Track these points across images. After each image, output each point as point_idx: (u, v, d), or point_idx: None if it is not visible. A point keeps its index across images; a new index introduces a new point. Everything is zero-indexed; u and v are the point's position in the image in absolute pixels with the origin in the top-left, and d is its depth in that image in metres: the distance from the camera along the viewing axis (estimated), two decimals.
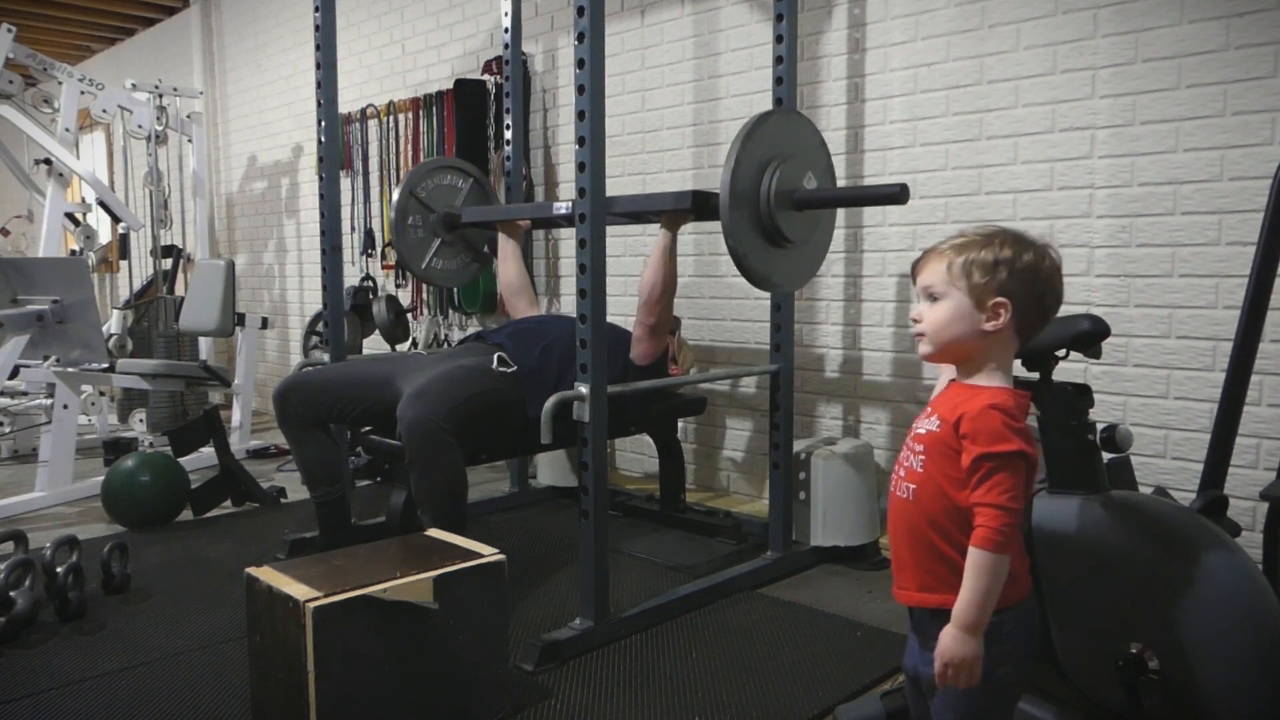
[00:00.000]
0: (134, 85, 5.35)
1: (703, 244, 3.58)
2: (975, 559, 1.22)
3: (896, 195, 2.32)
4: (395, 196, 3.22)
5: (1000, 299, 1.26)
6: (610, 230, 3.47)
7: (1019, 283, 1.26)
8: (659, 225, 2.64)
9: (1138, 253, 2.56)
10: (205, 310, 4.28)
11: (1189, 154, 2.45)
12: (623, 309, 3.76)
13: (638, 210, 2.72)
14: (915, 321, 1.33)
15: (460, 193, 3.38)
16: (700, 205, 2.52)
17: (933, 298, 1.31)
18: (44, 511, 3.61)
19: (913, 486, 1.32)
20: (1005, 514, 1.20)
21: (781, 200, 2.35)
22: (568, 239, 4.11)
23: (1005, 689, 1.32)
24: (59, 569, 2.46)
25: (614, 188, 3.71)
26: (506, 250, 3.19)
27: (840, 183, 3.15)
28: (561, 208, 2.88)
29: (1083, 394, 1.65)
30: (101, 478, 3.46)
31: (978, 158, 2.84)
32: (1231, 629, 1.50)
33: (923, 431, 1.33)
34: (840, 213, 3.17)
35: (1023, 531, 1.34)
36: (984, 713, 1.31)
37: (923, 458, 1.31)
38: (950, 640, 1.23)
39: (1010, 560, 1.23)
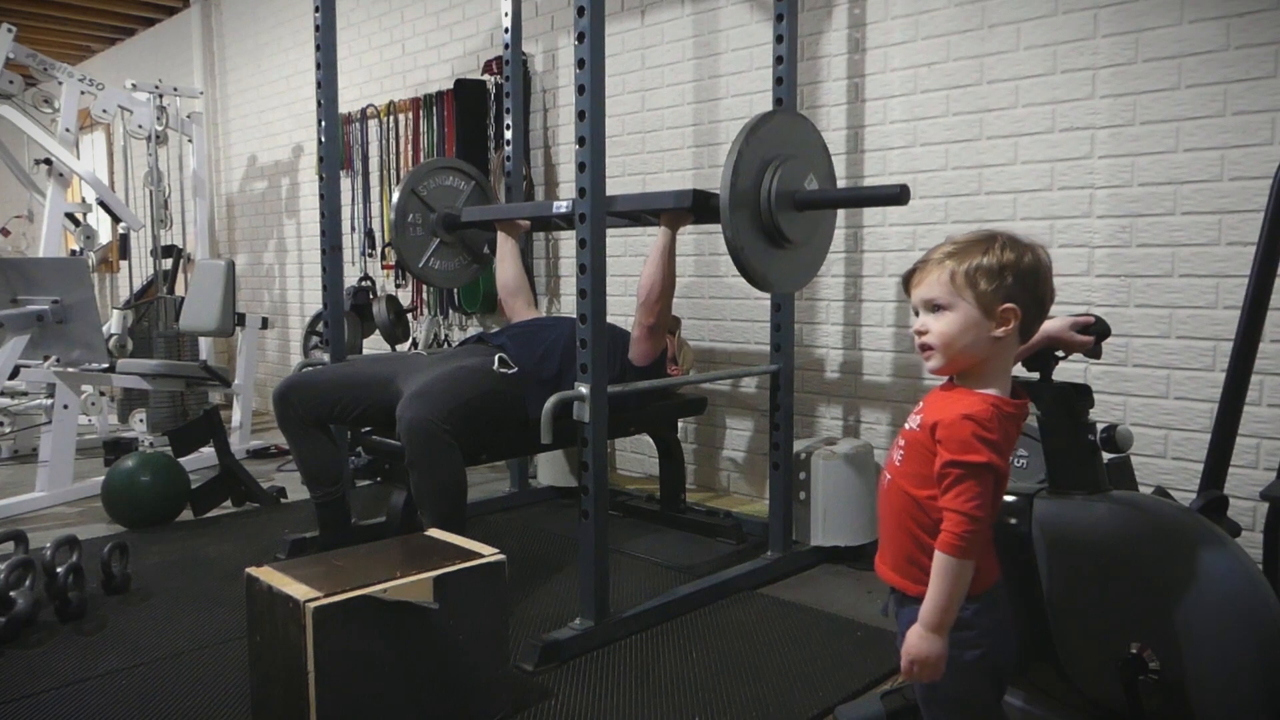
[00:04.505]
0: (134, 85, 5.35)
1: (703, 244, 3.58)
2: (938, 562, 1.25)
3: (897, 196, 2.32)
4: (396, 196, 3.22)
5: (1009, 305, 1.27)
6: (610, 230, 3.47)
7: (1023, 286, 1.27)
8: (658, 224, 2.64)
9: (1138, 253, 2.56)
10: (205, 310, 4.29)
11: (1189, 154, 2.45)
12: (623, 309, 3.76)
13: (637, 209, 2.71)
14: (919, 334, 1.32)
15: (461, 194, 3.38)
16: (701, 204, 2.51)
17: (936, 309, 1.30)
18: (44, 511, 3.61)
19: (889, 477, 1.38)
20: (968, 521, 1.23)
21: (782, 200, 2.35)
22: (568, 239, 4.11)
23: (976, 672, 1.34)
24: (59, 569, 2.47)
25: (614, 187, 3.71)
26: (505, 250, 3.19)
27: (840, 183, 3.16)
28: (561, 206, 2.88)
29: (1083, 394, 1.65)
30: (101, 478, 3.46)
31: (978, 158, 2.84)
32: (1231, 629, 1.49)
33: (909, 428, 1.36)
34: (840, 213, 3.17)
35: (990, 530, 1.35)
36: (958, 694, 1.35)
37: (902, 453, 1.36)
38: (916, 639, 1.27)
39: (974, 562, 1.26)
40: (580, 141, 2.17)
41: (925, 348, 1.32)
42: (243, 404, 4.66)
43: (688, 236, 3.63)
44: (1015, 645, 1.41)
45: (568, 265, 4.14)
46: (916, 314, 1.34)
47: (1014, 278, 1.27)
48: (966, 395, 1.29)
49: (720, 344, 3.59)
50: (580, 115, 2.17)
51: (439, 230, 3.29)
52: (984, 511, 1.23)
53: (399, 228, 3.21)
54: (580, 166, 2.18)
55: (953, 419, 1.26)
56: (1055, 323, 1.55)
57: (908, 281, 1.36)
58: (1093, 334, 1.56)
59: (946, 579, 1.24)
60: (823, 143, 2.58)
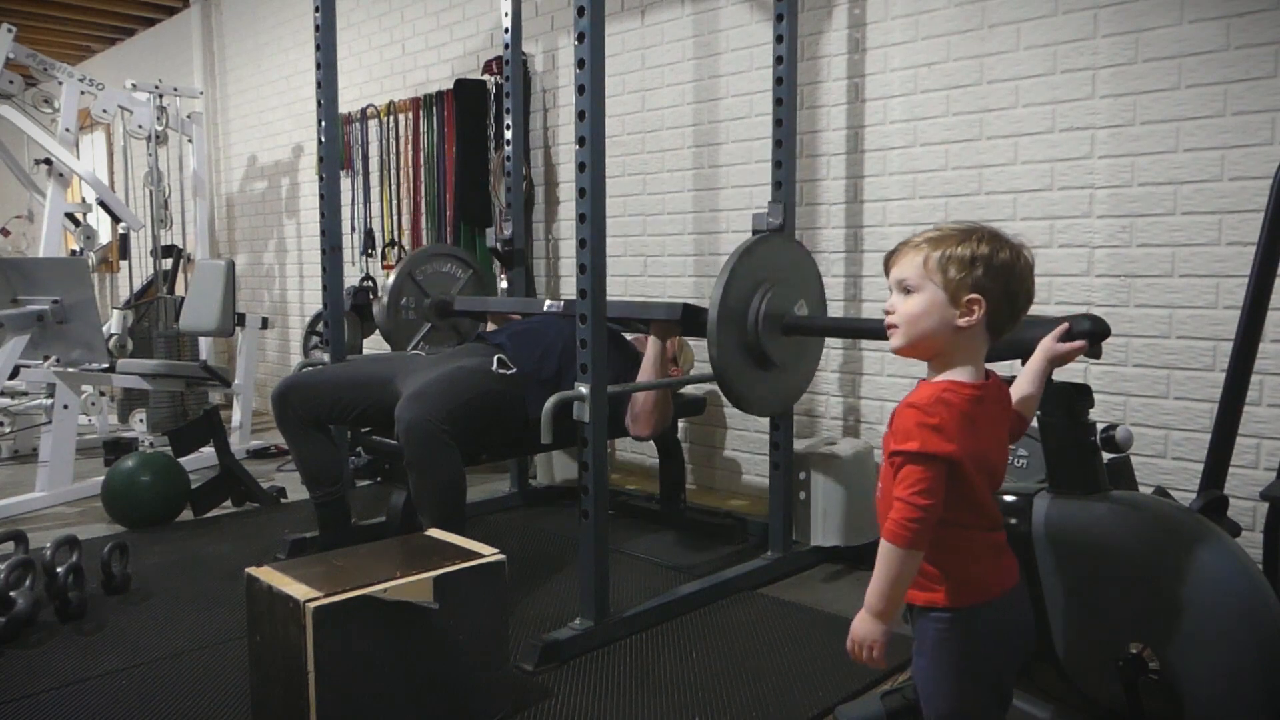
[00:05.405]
0: (134, 85, 5.36)
1: (703, 244, 3.58)
2: (880, 548, 1.25)
3: (884, 331, 2.32)
4: (392, 278, 3.26)
5: (975, 295, 1.27)
6: (610, 230, 3.47)
7: (993, 279, 1.26)
8: (649, 333, 2.66)
9: (1138, 253, 2.56)
10: (205, 310, 4.29)
11: (1189, 154, 2.45)
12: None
13: (628, 317, 2.74)
14: (888, 313, 1.34)
15: (458, 282, 3.42)
16: (690, 319, 2.54)
17: (906, 290, 1.31)
18: (44, 511, 3.61)
19: (880, 486, 1.36)
20: (908, 508, 1.22)
21: (770, 324, 2.36)
22: (568, 239, 4.11)
23: (969, 681, 1.33)
24: (59, 569, 2.47)
25: (614, 187, 3.72)
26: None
27: (840, 183, 3.16)
28: (551, 305, 2.94)
29: (1083, 394, 1.65)
30: (101, 478, 3.46)
31: (978, 158, 2.84)
32: (1231, 629, 1.50)
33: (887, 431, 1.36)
34: (840, 212, 3.17)
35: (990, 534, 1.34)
36: (954, 702, 1.33)
37: (883, 458, 1.35)
38: (857, 621, 1.29)
39: (921, 557, 1.25)
40: (580, 141, 2.17)
41: (891, 326, 1.33)
42: (243, 404, 4.66)
43: (687, 236, 3.63)
44: (1019, 655, 1.39)
45: (568, 265, 4.14)
46: (892, 293, 1.35)
47: (984, 269, 1.26)
48: (923, 386, 1.30)
49: None
50: (580, 115, 2.17)
51: (431, 315, 3.33)
52: (928, 499, 1.22)
53: (391, 309, 3.24)
54: (580, 166, 2.18)
55: (901, 408, 1.27)
56: (1045, 343, 1.51)
57: (887, 261, 1.36)
58: (1077, 335, 1.54)
59: (887, 566, 1.24)
60: (816, 270, 2.62)
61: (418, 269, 3.32)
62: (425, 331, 3.33)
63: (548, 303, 2.99)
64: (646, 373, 2.64)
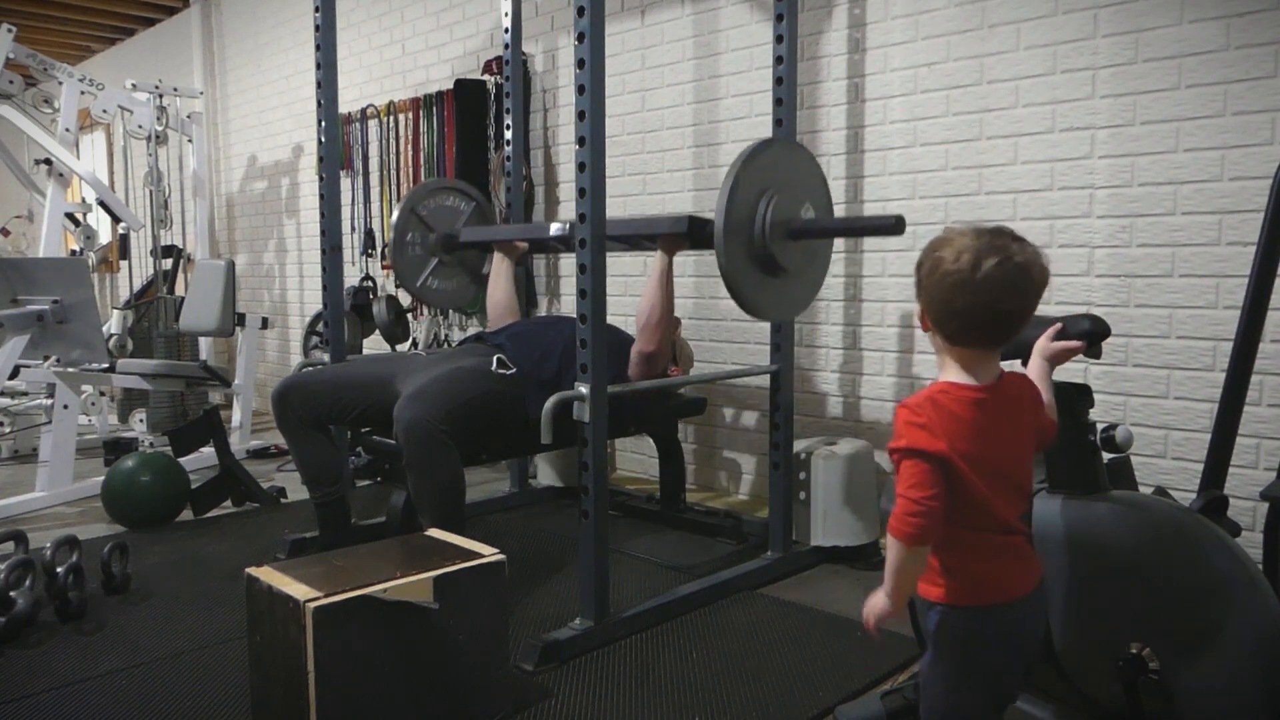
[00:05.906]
0: (134, 85, 5.36)
1: None
2: (888, 539, 1.29)
3: (892, 226, 2.33)
4: (395, 215, 3.23)
5: (921, 306, 1.31)
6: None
7: (929, 293, 1.29)
8: (655, 249, 2.64)
9: (1138, 253, 2.56)
10: (205, 310, 4.29)
11: (1189, 154, 2.45)
12: (623, 309, 3.76)
13: (633, 234, 2.73)
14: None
15: (461, 215, 3.39)
16: (696, 231, 2.53)
17: None
18: (44, 511, 3.61)
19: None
20: (905, 502, 1.25)
21: (777, 229, 2.35)
22: None
23: (965, 681, 1.34)
24: (59, 569, 2.47)
25: (614, 187, 3.72)
26: (499, 270, 3.20)
27: (840, 183, 3.16)
28: (558, 228, 2.92)
29: (1083, 394, 1.65)
30: (101, 478, 3.46)
31: (978, 158, 2.84)
32: (1231, 629, 1.50)
33: None
34: (840, 213, 3.17)
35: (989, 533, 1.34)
36: (946, 700, 1.35)
37: None
38: (872, 594, 1.34)
39: (926, 552, 1.28)
40: (580, 141, 2.17)
41: None
42: (243, 404, 4.66)
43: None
44: (1022, 661, 1.39)
45: (568, 264, 4.14)
46: None
47: (924, 281, 1.29)
48: (927, 386, 1.33)
49: (720, 343, 3.59)
50: (580, 115, 2.17)
51: (438, 250, 3.30)
52: (922, 492, 1.23)
53: (398, 246, 3.21)
54: (580, 166, 2.18)
55: (897, 408, 1.30)
56: (1040, 343, 1.51)
57: None
58: (1077, 335, 1.53)
59: (891, 558, 1.28)
60: (820, 172, 2.59)
61: (421, 204, 3.28)
62: (433, 267, 3.30)
63: (554, 226, 2.97)
64: (652, 286, 2.62)
